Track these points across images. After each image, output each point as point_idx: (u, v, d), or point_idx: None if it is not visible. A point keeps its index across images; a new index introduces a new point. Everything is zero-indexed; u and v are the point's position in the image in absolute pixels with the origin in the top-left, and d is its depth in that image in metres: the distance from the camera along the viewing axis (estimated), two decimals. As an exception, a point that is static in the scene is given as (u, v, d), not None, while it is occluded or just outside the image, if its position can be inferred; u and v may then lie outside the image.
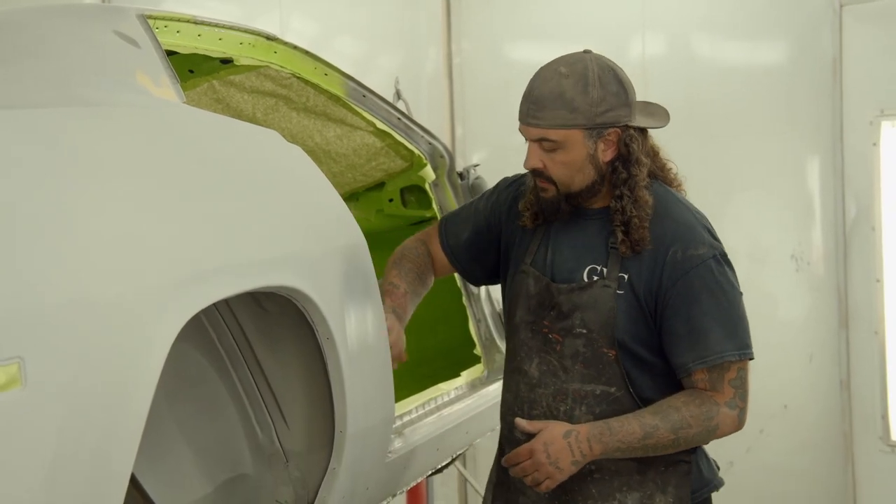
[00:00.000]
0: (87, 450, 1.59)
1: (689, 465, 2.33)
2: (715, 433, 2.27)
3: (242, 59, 2.60)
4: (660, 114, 2.36)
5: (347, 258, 2.23)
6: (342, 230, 2.27)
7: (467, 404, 3.13)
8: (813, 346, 4.89)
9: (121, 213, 1.71)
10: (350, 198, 3.66)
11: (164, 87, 2.13)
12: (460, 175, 3.45)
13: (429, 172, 3.38)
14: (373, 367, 2.29)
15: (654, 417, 2.23)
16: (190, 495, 2.34)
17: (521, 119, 2.29)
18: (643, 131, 2.33)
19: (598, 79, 2.24)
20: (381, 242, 3.04)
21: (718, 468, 2.44)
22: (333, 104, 3.05)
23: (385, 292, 2.43)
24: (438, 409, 3.01)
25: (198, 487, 2.35)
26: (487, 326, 3.44)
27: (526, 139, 2.30)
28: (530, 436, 2.25)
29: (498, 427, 2.52)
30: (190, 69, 2.76)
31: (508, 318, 2.44)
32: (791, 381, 4.88)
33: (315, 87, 2.88)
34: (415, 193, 3.59)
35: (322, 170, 2.32)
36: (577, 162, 2.27)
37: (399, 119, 3.15)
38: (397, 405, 2.54)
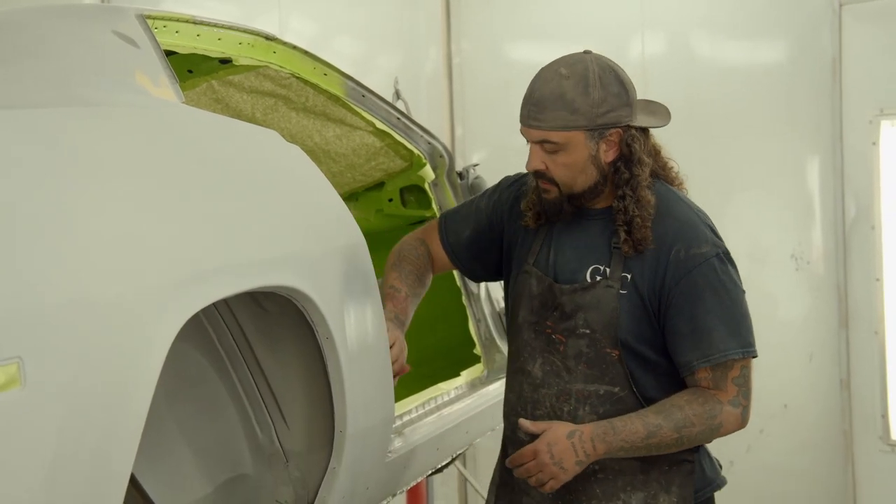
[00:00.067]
0: (86, 450, 1.59)
1: (693, 465, 2.33)
2: (718, 431, 2.27)
3: (241, 59, 2.60)
4: (661, 112, 2.35)
5: (347, 258, 2.23)
6: (342, 230, 2.27)
7: (467, 404, 3.13)
8: (813, 346, 4.89)
9: (121, 213, 1.71)
10: (350, 198, 3.66)
11: (163, 87, 2.13)
12: (460, 175, 3.45)
13: (428, 172, 3.38)
14: (373, 366, 2.29)
15: (657, 416, 2.23)
16: (190, 495, 2.34)
17: (522, 121, 2.29)
18: (645, 131, 2.33)
19: (598, 79, 2.23)
20: (380, 242, 3.04)
21: (721, 467, 2.44)
22: (333, 104, 3.05)
23: (386, 296, 2.43)
24: (438, 408, 3.01)
25: (198, 488, 2.35)
26: (487, 326, 3.44)
27: (527, 141, 2.30)
28: (534, 436, 2.25)
29: (498, 427, 2.53)
30: (189, 69, 2.76)
31: (511, 319, 2.44)
32: (791, 381, 4.88)
33: (314, 86, 2.88)
34: (414, 193, 3.58)
35: (321, 170, 2.32)
36: (579, 163, 2.27)
37: (398, 119, 3.15)
38: (397, 405, 2.54)
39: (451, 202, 3.39)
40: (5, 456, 1.48)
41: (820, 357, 4.87)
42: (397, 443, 2.64)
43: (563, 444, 2.21)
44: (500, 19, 5.59)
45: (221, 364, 2.34)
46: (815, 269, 4.87)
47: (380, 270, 2.41)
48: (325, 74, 2.85)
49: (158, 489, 2.29)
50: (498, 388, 3.28)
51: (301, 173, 2.26)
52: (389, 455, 2.53)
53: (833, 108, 4.75)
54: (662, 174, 2.38)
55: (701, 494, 2.36)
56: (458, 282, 3.37)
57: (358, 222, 2.34)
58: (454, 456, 3.21)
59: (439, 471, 3.49)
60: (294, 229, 2.12)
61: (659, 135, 2.39)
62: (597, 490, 2.32)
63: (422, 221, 3.61)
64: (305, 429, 2.33)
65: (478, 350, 3.40)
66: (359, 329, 2.23)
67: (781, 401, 4.87)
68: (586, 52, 2.30)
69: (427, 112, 5.34)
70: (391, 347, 2.33)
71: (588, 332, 2.29)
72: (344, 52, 4.91)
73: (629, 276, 2.27)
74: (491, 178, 2.88)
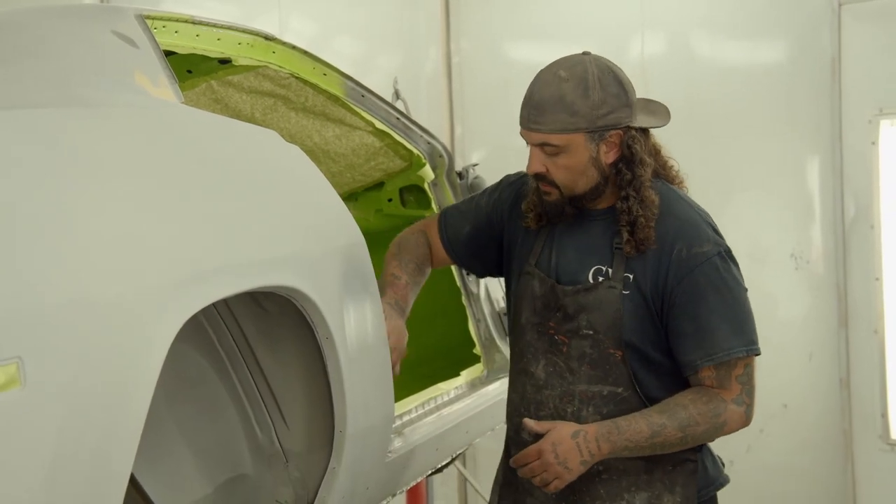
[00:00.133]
0: (86, 450, 1.59)
1: (696, 464, 2.33)
2: (722, 430, 2.27)
3: (241, 60, 2.60)
4: (661, 112, 2.35)
5: (346, 258, 2.23)
6: (341, 230, 2.27)
7: (467, 404, 3.12)
8: (812, 345, 4.89)
9: (121, 213, 1.71)
10: (349, 198, 3.66)
11: (163, 87, 2.13)
12: (459, 174, 3.45)
13: (428, 172, 3.37)
14: (372, 366, 2.29)
15: (661, 416, 2.23)
16: (190, 496, 2.34)
17: (522, 124, 2.28)
18: (645, 131, 2.32)
19: (598, 81, 2.23)
20: (380, 242, 3.04)
21: (723, 465, 2.44)
22: (332, 104, 3.05)
23: (387, 283, 2.43)
24: (438, 408, 3.01)
25: (197, 488, 2.35)
26: (487, 326, 3.44)
27: (527, 144, 2.30)
28: (537, 436, 2.25)
29: (498, 427, 2.53)
30: (188, 69, 2.76)
31: (514, 320, 2.44)
32: (791, 380, 4.88)
33: (314, 86, 2.88)
34: (414, 193, 3.58)
35: (321, 170, 2.32)
36: (579, 165, 2.27)
37: (398, 119, 3.15)
38: (397, 405, 2.54)
39: (451, 202, 3.38)
40: (5, 456, 1.48)
41: (819, 356, 4.87)
42: (397, 443, 2.64)
43: (568, 444, 2.21)
44: (499, 19, 5.59)
45: (221, 364, 2.34)
46: (814, 268, 4.87)
47: (379, 270, 2.41)
48: (325, 74, 2.85)
49: (158, 489, 2.29)
50: (498, 387, 3.28)
51: (300, 173, 2.26)
52: (389, 455, 2.53)
53: (832, 107, 4.75)
54: (663, 173, 2.38)
55: (704, 493, 2.36)
56: (458, 281, 3.37)
57: (357, 222, 2.34)
58: (454, 456, 3.21)
59: (439, 471, 3.49)
60: (294, 229, 2.12)
61: (659, 134, 2.39)
62: (600, 490, 2.32)
63: (421, 221, 3.60)
64: (305, 429, 2.33)
65: (477, 350, 3.40)
66: (358, 329, 2.23)
67: (781, 400, 4.87)
68: (585, 54, 2.29)
69: (426, 112, 5.34)
70: (390, 336, 2.32)
71: (591, 333, 2.29)
72: (343, 52, 4.90)
73: (631, 277, 2.27)
74: (490, 178, 2.88)
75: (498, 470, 2.54)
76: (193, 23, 2.44)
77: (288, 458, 2.35)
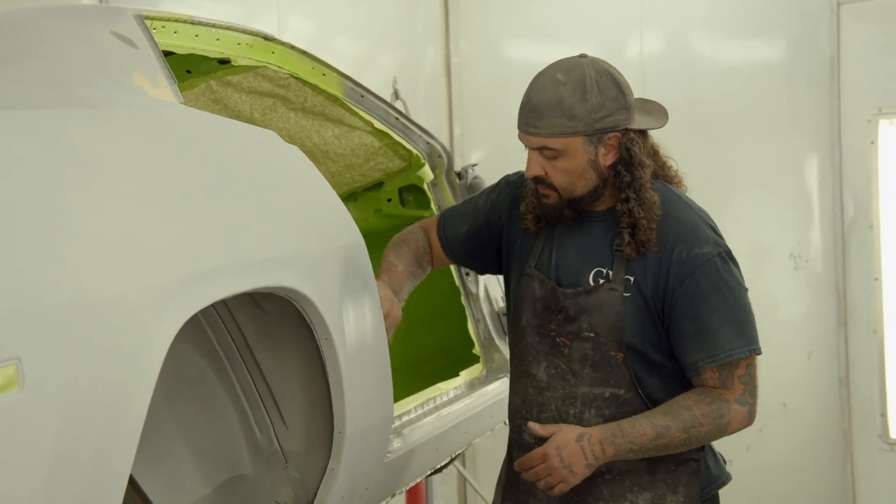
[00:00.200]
0: (86, 450, 1.59)
1: (699, 464, 2.34)
2: (726, 430, 2.27)
3: (240, 60, 2.60)
4: (658, 112, 2.35)
5: (346, 258, 2.23)
6: (340, 230, 2.26)
7: (466, 404, 3.12)
8: (812, 345, 4.89)
9: (121, 213, 1.71)
10: (348, 198, 3.66)
11: (162, 87, 2.13)
12: (458, 174, 3.45)
13: (427, 172, 3.37)
14: (371, 367, 2.29)
15: (664, 417, 2.23)
16: (189, 496, 2.34)
17: (520, 128, 2.28)
18: (643, 132, 2.32)
19: (595, 84, 2.23)
20: (379, 242, 3.04)
21: (725, 462, 2.44)
22: (331, 104, 3.05)
23: (382, 270, 2.43)
24: (437, 408, 3.01)
25: (197, 488, 2.35)
26: (486, 326, 3.44)
27: (526, 147, 2.30)
28: (541, 440, 2.25)
29: (497, 427, 2.52)
30: (187, 69, 2.76)
31: (514, 322, 2.44)
32: (790, 380, 4.88)
33: (313, 87, 2.88)
34: (413, 193, 3.58)
35: (320, 170, 2.32)
36: (578, 168, 2.26)
37: (397, 119, 3.15)
38: (396, 405, 2.54)
39: (450, 202, 3.38)
40: (5, 456, 1.48)
41: (819, 356, 4.88)
42: (396, 443, 2.64)
43: (573, 448, 2.21)
44: (498, 19, 5.59)
45: (220, 365, 2.34)
46: (813, 268, 4.88)
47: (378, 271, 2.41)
48: (324, 74, 2.85)
49: (157, 490, 2.29)
50: (497, 387, 3.28)
51: (300, 174, 2.25)
52: (388, 455, 2.53)
53: (831, 107, 4.75)
54: (662, 173, 2.38)
55: (707, 492, 2.36)
56: (457, 282, 3.37)
57: (357, 222, 2.33)
58: (453, 456, 3.21)
59: (438, 471, 3.49)
60: (293, 230, 2.12)
61: (658, 134, 2.39)
62: (604, 491, 2.32)
63: (420, 221, 3.61)
64: (304, 429, 2.33)
65: (477, 350, 3.40)
66: (358, 329, 2.22)
67: (781, 400, 4.87)
68: (582, 56, 2.29)
69: (426, 112, 5.34)
70: (382, 304, 2.29)
71: (592, 335, 2.29)
72: (343, 52, 4.91)
73: (632, 279, 2.27)
74: (490, 178, 2.88)
75: (501, 470, 2.54)
76: (192, 23, 2.44)
77: (287, 459, 2.35)
